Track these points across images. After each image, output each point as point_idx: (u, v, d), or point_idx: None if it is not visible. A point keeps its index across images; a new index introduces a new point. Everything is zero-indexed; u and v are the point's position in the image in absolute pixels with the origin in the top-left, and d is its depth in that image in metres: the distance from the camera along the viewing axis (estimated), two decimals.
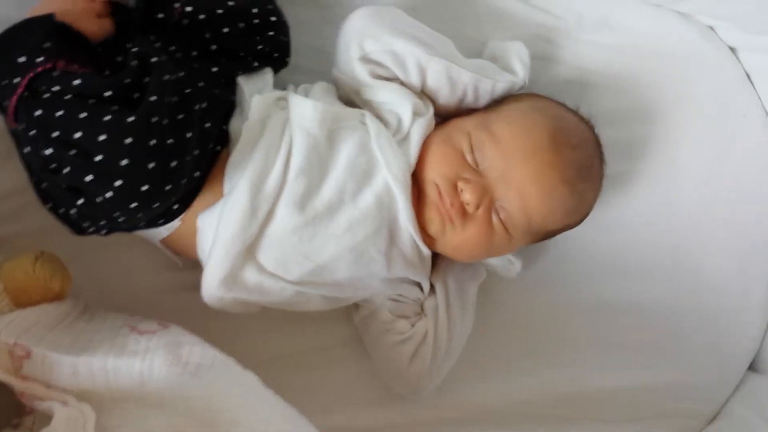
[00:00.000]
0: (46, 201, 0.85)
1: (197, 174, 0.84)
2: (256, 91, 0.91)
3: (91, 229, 0.83)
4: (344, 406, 1.06)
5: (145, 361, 0.79)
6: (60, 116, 0.75)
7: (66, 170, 0.76)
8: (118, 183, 0.75)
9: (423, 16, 1.00)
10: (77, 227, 0.83)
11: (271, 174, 0.85)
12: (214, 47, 0.90)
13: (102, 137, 0.74)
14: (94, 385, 0.78)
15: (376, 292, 0.98)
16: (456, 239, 0.91)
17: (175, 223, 0.89)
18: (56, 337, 0.82)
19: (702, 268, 1.18)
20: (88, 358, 0.78)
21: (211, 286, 0.87)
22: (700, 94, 1.17)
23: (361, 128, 0.91)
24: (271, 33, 0.92)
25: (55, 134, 0.75)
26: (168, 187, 0.78)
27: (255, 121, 0.88)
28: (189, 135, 0.81)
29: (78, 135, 0.75)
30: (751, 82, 1.19)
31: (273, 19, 0.92)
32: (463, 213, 0.90)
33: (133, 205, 0.77)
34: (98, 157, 0.74)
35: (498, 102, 0.98)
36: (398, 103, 0.93)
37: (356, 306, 1.03)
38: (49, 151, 0.76)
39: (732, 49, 1.18)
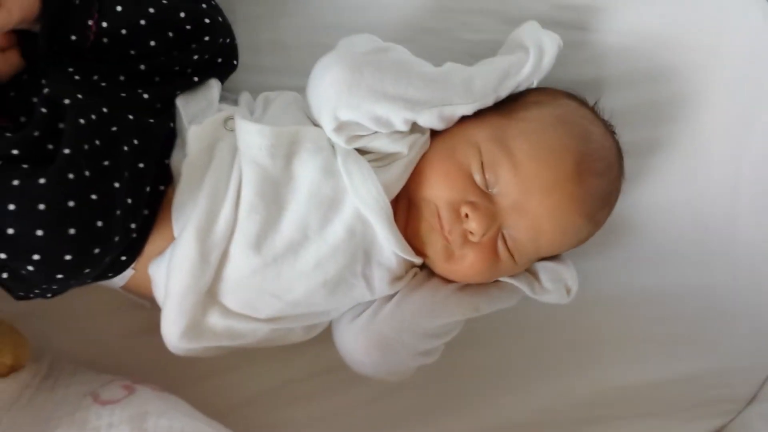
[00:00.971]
0: None
1: (134, 225, 0.74)
2: (199, 112, 0.80)
3: (30, 295, 0.75)
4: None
5: None
6: None
7: None
8: (36, 257, 0.66)
9: None
10: (14, 294, 0.76)
11: (220, 214, 0.75)
12: (143, 67, 0.78)
13: (11, 206, 0.65)
14: None
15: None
16: (452, 270, 0.82)
17: (128, 273, 0.80)
18: (15, 418, 0.77)
19: (735, 242, 1.06)
20: None
21: (172, 340, 0.79)
22: (728, 43, 1.02)
23: (327, 149, 0.78)
24: (206, 38, 0.80)
25: None
26: (96, 251, 0.69)
27: (195, 155, 0.76)
28: (117, 185, 0.70)
29: None
30: None
31: (207, 21, 0.80)
32: (465, 240, 0.79)
33: (59, 276, 0.69)
34: (10, 230, 0.65)
35: (514, 98, 0.83)
36: (389, 149, 0.80)
37: None
38: None
39: None
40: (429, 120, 0.78)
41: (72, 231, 0.66)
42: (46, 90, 0.70)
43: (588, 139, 0.82)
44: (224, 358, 0.91)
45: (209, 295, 0.77)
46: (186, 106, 0.80)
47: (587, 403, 1.06)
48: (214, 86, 0.83)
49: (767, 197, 1.06)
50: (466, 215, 0.77)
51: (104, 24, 0.75)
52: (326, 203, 0.76)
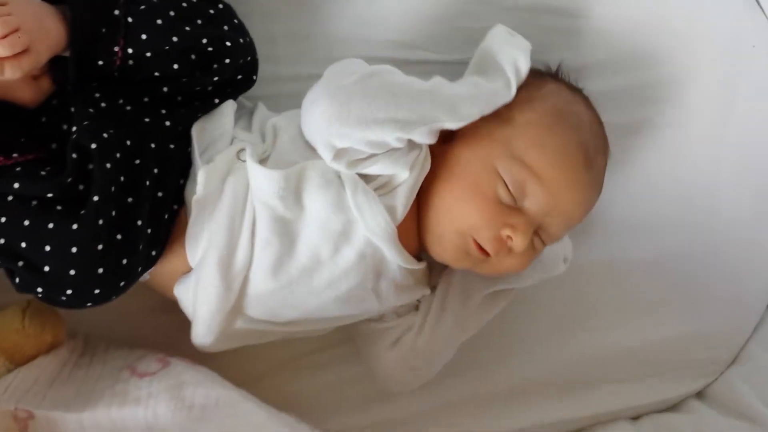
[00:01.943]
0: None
1: (154, 252, 0.80)
2: (212, 142, 0.83)
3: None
4: (354, 404, 1.06)
5: (148, 409, 0.78)
6: (3, 224, 0.73)
7: (18, 280, 0.75)
8: (69, 291, 0.74)
9: None
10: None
11: (238, 246, 0.80)
12: (166, 89, 0.81)
13: (47, 248, 0.72)
14: None
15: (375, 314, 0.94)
16: (493, 269, 0.87)
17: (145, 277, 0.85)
18: (57, 392, 0.81)
19: (716, 214, 1.14)
20: (92, 413, 0.78)
21: (202, 347, 0.86)
22: (708, 26, 1.09)
23: (336, 182, 0.81)
24: (227, 60, 0.82)
25: (1, 242, 0.74)
26: (122, 284, 0.77)
27: (206, 192, 0.80)
28: (140, 222, 0.76)
29: (23, 245, 0.73)
30: (762, 8, 1.10)
31: (228, 44, 0.82)
32: (507, 253, 0.84)
33: (89, 304, 0.77)
34: (46, 268, 0.73)
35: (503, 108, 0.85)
36: (390, 171, 0.83)
37: None
38: None
39: None
40: (421, 137, 0.81)
41: (100, 270, 0.74)
42: (74, 136, 0.74)
43: (581, 123, 0.88)
44: None
45: (234, 309, 0.83)
46: (200, 135, 0.83)
47: (575, 366, 1.13)
48: (228, 114, 0.85)
49: (746, 171, 1.13)
50: (509, 237, 0.82)
51: (130, 50, 0.78)
52: (336, 236, 0.81)
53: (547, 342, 1.12)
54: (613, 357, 1.14)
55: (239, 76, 0.85)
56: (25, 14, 0.72)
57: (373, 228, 0.80)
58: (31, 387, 0.80)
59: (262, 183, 0.79)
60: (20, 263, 0.74)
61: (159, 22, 0.79)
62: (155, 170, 0.78)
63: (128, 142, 0.76)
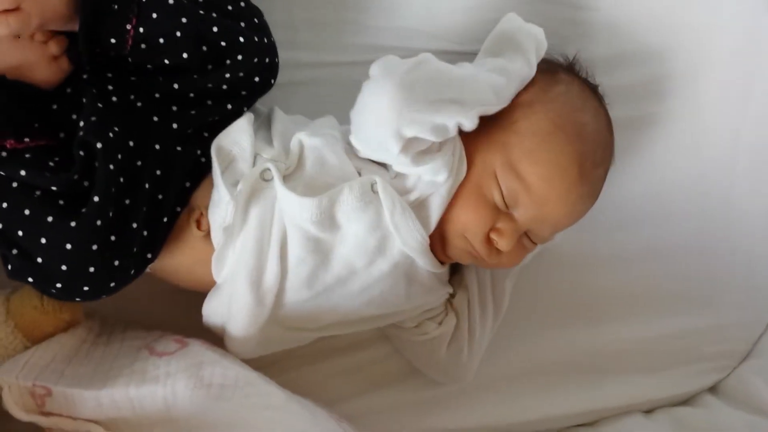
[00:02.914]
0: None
1: (150, 255, 0.80)
2: (232, 159, 0.82)
3: None
4: (373, 387, 1.06)
5: (167, 387, 0.78)
6: (5, 209, 0.74)
7: (9, 266, 0.77)
8: (58, 285, 0.76)
9: None
10: None
11: (267, 266, 0.80)
12: (176, 86, 0.80)
13: (43, 240, 0.74)
14: (119, 414, 0.78)
15: (404, 318, 0.95)
16: (488, 266, 0.91)
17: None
18: (75, 369, 0.81)
19: (732, 207, 1.14)
20: (110, 390, 0.78)
21: (241, 355, 0.87)
22: (723, 23, 1.09)
23: (374, 201, 0.81)
24: (239, 56, 0.81)
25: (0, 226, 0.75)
26: (112, 284, 0.78)
27: (234, 217, 0.79)
28: (135, 225, 0.77)
29: (20, 233, 0.74)
30: None
31: (241, 39, 0.81)
32: (498, 252, 0.86)
33: (77, 299, 0.79)
34: (39, 259, 0.74)
35: (509, 106, 0.85)
36: (433, 176, 0.83)
37: None
38: None
39: None
40: (473, 120, 0.80)
41: (92, 269, 0.75)
42: (81, 132, 0.75)
43: (583, 133, 0.87)
44: None
45: (269, 320, 0.83)
46: (220, 154, 0.82)
47: (587, 358, 1.13)
48: (247, 128, 0.83)
49: (762, 164, 1.13)
50: (496, 241, 0.84)
51: (141, 29, 0.77)
52: (372, 250, 0.82)
53: (558, 333, 1.12)
54: (626, 349, 1.14)
55: (256, 78, 0.83)
56: None
57: (409, 243, 0.82)
58: (49, 364, 0.80)
59: (296, 210, 0.79)
60: (14, 251, 0.75)
61: (170, 2, 0.78)
62: (157, 172, 0.79)
63: (131, 143, 0.77)
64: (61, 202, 0.74)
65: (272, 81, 0.86)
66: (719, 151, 1.13)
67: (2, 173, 0.74)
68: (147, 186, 0.78)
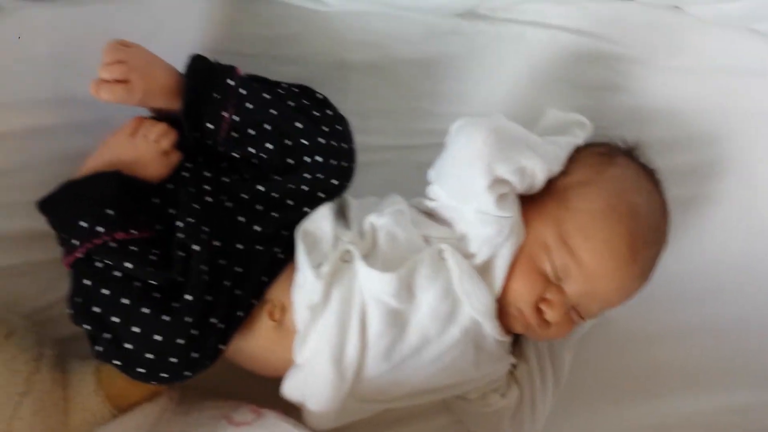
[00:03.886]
0: None
1: (222, 346, 0.84)
2: (315, 243, 0.87)
3: None
4: None
5: None
6: (105, 295, 0.79)
7: (98, 348, 0.81)
8: (140, 370, 0.81)
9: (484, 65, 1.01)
10: None
11: (348, 343, 0.83)
12: (261, 188, 0.86)
13: (136, 329, 0.79)
14: None
15: (470, 388, 0.97)
16: (538, 337, 0.94)
17: None
18: None
19: None
20: None
21: (316, 428, 0.90)
22: None
23: (442, 268, 0.86)
24: (319, 158, 0.86)
25: (97, 310, 0.80)
26: (187, 374, 0.83)
27: (318, 299, 0.83)
28: (214, 321, 0.82)
29: (116, 320, 0.79)
30: None
31: (321, 141, 0.86)
32: (547, 324, 0.89)
33: (153, 383, 0.83)
34: (128, 345, 0.79)
35: (563, 183, 0.91)
36: (492, 232, 0.86)
37: None
38: (87, 327, 0.81)
39: None
40: (541, 179, 0.87)
41: (173, 360, 0.80)
42: (179, 234, 0.81)
43: (636, 214, 0.90)
44: None
45: (347, 394, 0.86)
46: (305, 238, 0.87)
47: (646, 431, 1.14)
48: (327, 215, 0.88)
49: None
50: (545, 312, 0.87)
51: (237, 118, 0.85)
52: (444, 317, 0.85)
53: (616, 407, 1.13)
54: (685, 424, 1.14)
55: (334, 181, 0.88)
56: (137, 55, 0.85)
57: (477, 306, 0.85)
58: None
59: (376, 285, 0.83)
60: (107, 335, 0.80)
61: (266, 96, 0.86)
62: (238, 270, 0.84)
63: (217, 243, 0.83)
64: (156, 295, 0.80)
65: (347, 184, 0.90)
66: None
67: (109, 262, 0.80)
68: (227, 284, 0.83)
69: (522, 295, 0.87)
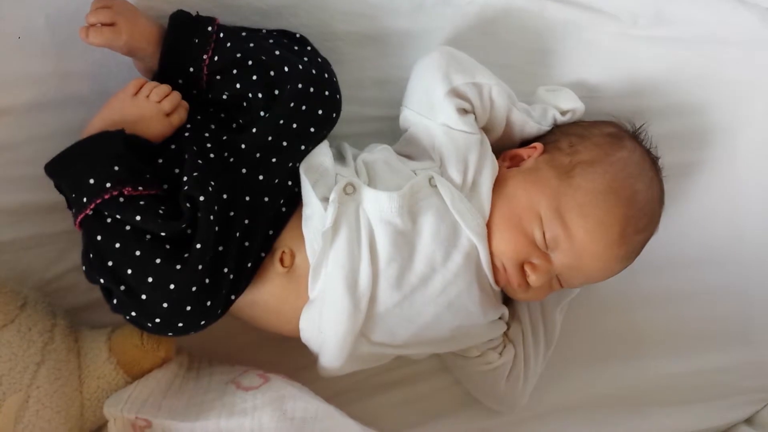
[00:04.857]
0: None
1: (233, 297, 0.87)
2: (318, 178, 0.91)
3: None
4: (431, 417, 1.13)
5: (254, 420, 0.84)
6: (117, 248, 0.81)
7: (114, 301, 0.84)
8: (156, 320, 0.83)
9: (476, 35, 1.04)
10: None
11: (360, 269, 0.87)
12: (254, 130, 0.89)
13: (150, 279, 0.81)
14: None
15: (472, 344, 1.02)
16: (517, 297, 0.98)
17: None
18: (171, 402, 0.88)
19: (766, 252, 1.21)
20: (204, 422, 0.84)
21: (331, 371, 0.93)
22: (759, 81, 1.16)
23: (435, 194, 0.91)
24: (300, 85, 0.89)
25: (110, 264, 0.81)
26: (202, 322, 0.85)
27: (332, 225, 0.87)
28: (226, 270, 0.84)
29: (129, 272, 0.81)
30: None
31: (300, 67, 0.89)
32: (527, 286, 0.93)
33: (170, 333, 0.86)
34: (143, 296, 0.81)
35: (571, 160, 0.95)
36: (464, 151, 0.93)
37: None
38: (101, 281, 0.83)
39: None
40: (504, 105, 0.97)
41: (188, 308, 0.83)
42: (185, 187, 0.83)
43: (634, 200, 0.93)
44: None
45: (361, 332, 0.90)
46: (308, 173, 0.91)
47: (624, 392, 1.20)
48: (326, 152, 0.93)
49: None
50: (528, 274, 0.91)
51: (216, 58, 0.90)
52: (446, 240, 0.89)
53: (603, 368, 1.20)
54: (666, 384, 1.20)
55: (320, 111, 0.91)
56: (122, 2, 0.89)
57: (473, 227, 0.89)
58: (148, 398, 0.87)
59: (384, 204, 0.88)
60: (122, 287, 0.82)
61: (243, 34, 0.91)
62: (246, 221, 0.86)
63: (225, 196, 0.85)
64: (167, 246, 0.82)
65: (334, 115, 0.94)
66: (754, 200, 1.20)
67: (119, 217, 0.81)
68: (237, 234, 0.85)
69: (506, 252, 0.91)
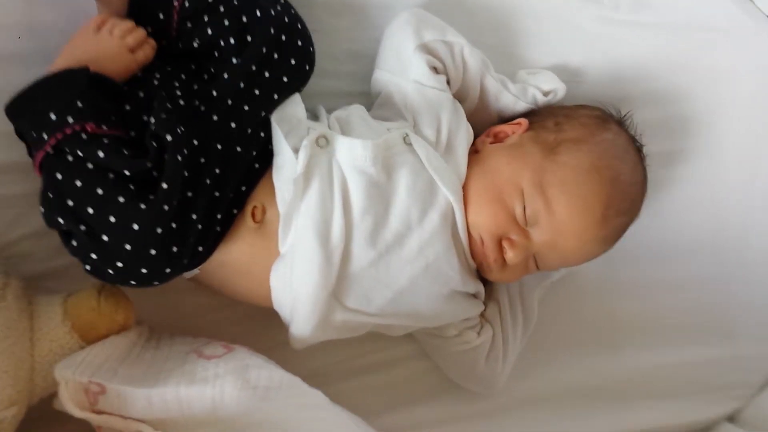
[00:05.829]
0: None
1: (201, 248, 0.84)
2: (290, 130, 0.88)
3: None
4: (406, 403, 1.09)
5: (215, 388, 0.81)
6: (78, 187, 0.77)
7: (74, 242, 0.80)
8: (119, 264, 0.79)
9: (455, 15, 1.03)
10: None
11: (333, 220, 0.84)
12: (225, 75, 0.86)
13: (112, 218, 0.77)
14: (168, 414, 0.80)
15: (449, 320, 0.98)
16: (491, 276, 0.95)
17: (193, 272, 0.89)
18: (128, 369, 0.84)
19: (748, 245, 1.20)
20: (161, 389, 0.80)
21: (303, 335, 0.89)
22: (740, 68, 1.16)
23: (410, 151, 0.89)
24: (272, 30, 0.87)
25: (70, 203, 0.77)
26: (168, 270, 0.82)
27: (302, 174, 0.85)
28: (194, 216, 0.81)
29: (90, 211, 0.77)
30: None
31: (272, 12, 0.87)
32: (504, 264, 0.91)
33: (132, 282, 0.82)
34: (104, 237, 0.77)
35: (556, 137, 0.93)
36: (437, 108, 0.92)
37: None
38: (61, 221, 0.78)
39: None
40: (476, 66, 0.97)
41: (153, 252, 0.79)
42: (153, 126, 0.80)
43: (617, 181, 0.92)
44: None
45: (333, 296, 0.86)
46: (280, 123, 0.89)
47: (611, 382, 1.17)
48: (298, 102, 0.92)
49: None
50: (506, 250, 0.89)
51: (187, 4, 0.87)
52: (422, 196, 0.87)
53: (577, 358, 1.16)
54: (647, 376, 1.17)
55: (292, 60, 0.89)
56: None
57: (449, 185, 0.87)
58: (103, 363, 0.83)
59: (358, 151, 0.85)
60: (82, 227, 0.78)
61: None
62: (217, 171, 0.83)
63: (195, 142, 0.82)
64: (131, 186, 0.78)
65: (308, 67, 0.92)
66: (736, 188, 1.19)
67: (80, 154, 0.77)
68: (207, 182, 0.82)
69: (485, 224, 0.89)
